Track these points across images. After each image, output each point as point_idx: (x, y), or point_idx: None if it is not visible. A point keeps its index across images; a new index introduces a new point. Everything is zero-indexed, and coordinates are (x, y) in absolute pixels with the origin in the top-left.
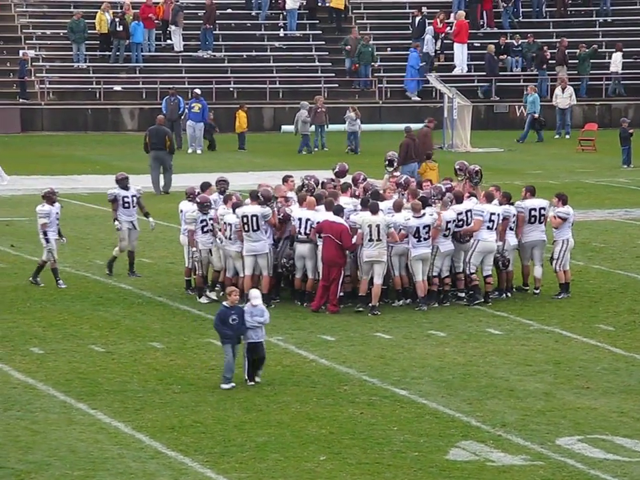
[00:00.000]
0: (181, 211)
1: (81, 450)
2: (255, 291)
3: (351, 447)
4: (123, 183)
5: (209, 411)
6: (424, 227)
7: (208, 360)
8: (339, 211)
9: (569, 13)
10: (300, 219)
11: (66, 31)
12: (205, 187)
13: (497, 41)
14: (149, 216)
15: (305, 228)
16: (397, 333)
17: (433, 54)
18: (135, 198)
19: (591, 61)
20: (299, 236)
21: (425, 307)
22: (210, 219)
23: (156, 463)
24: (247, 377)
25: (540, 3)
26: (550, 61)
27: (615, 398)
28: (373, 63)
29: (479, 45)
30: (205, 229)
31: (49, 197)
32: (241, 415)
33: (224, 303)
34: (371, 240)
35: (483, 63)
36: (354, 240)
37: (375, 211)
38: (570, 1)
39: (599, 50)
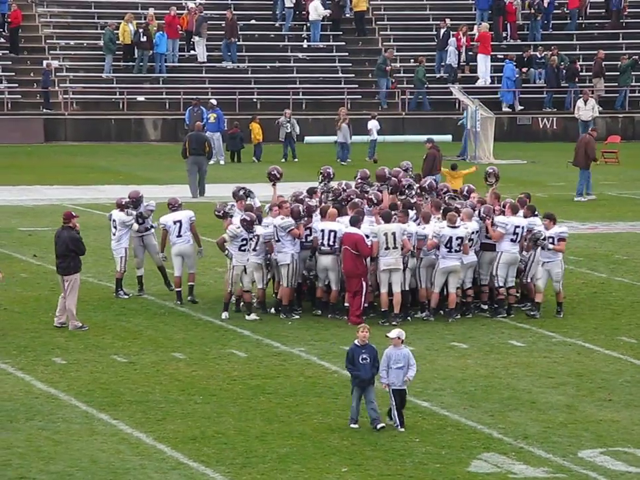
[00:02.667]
0: (177, 222)
1: (103, 460)
2: (396, 331)
3: (373, 458)
4: (135, 203)
5: (231, 421)
6: (457, 238)
7: (230, 371)
8: (355, 221)
9: (623, 24)
10: (323, 231)
11: (90, 41)
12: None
13: (521, 53)
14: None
15: (329, 239)
16: (419, 344)
17: (456, 65)
18: (139, 216)
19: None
20: (322, 247)
21: (432, 317)
22: (252, 237)
23: (177, 474)
24: (397, 423)
25: (575, 16)
26: (579, 74)
27: (638, 410)
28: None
29: (502, 56)
30: (243, 248)
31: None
32: (262, 425)
33: (355, 342)
34: (387, 248)
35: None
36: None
37: (387, 219)
38: (626, 13)
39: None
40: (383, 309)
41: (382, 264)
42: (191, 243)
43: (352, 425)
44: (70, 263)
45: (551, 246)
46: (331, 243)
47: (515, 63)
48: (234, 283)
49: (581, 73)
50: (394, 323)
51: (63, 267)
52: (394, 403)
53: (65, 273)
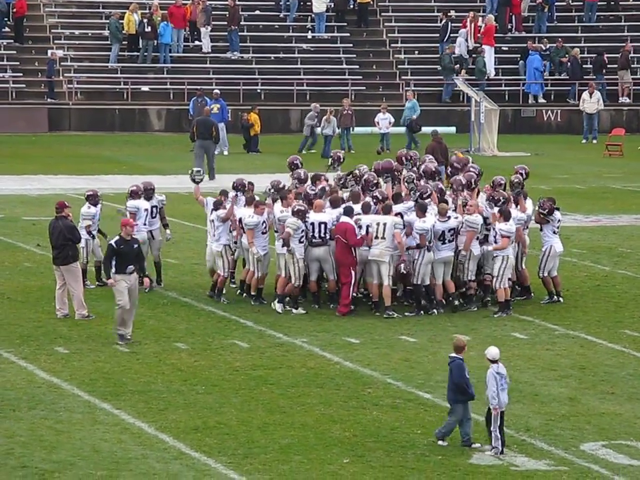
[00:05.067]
0: (146, 210)
1: (105, 450)
2: (495, 351)
3: (375, 450)
4: (147, 194)
5: (233, 412)
6: (449, 230)
7: (232, 361)
8: (349, 212)
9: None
10: (312, 223)
11: (95, 31)
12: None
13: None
14: (167, 227)
15: (320, 231)
16: (422, 336)
17: (467, 56)
18: (155, 208)
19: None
20: (314, 240)
21: (441, 310)
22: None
23: (179, 464)
24: (500, 448)
25: (594, 8)
26: (576, 67)
27: None
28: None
29: (506, 48)
30: (302, 240)
31: (93, 198)
32: (264, 416)
33: (457, 356)
34: (376, 237)
35: (513, 66)
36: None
37: (387, 211)
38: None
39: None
40: (374, 299)
41: (369, 254)
42: (159, 228)
43: (441, 443)
44: (68, 252)
45: (491, 247)
46: (322, 235)
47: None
48: (300, 276)
49: (585, 66)
50: (385, 315)
51: (62, 257)
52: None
53: (64, 262)
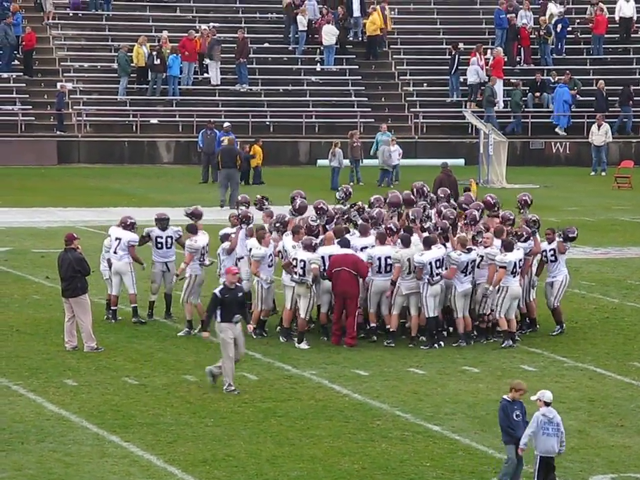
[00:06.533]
0: (117, 239)
1: None
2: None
3: None
4: (162, 224)
5: (242, 444)
6: (471, 262)
7: (241, 393)
8: (346, 244)
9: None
10: (323, 257)
11: (104, 64)
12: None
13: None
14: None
15: None
16: (431, 368)
17: (478, 84)
18: (170, 239)
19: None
20: (326, 274)
21: (464, 342)
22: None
23: None
24: None
25: (601, 41)
26: (579, 98)
27: None
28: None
29: (515, 80)
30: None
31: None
32: (273, 449)
33: (505, 397)
34: (409, 273)
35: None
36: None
37: (407, 243)
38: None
39: (636, 87)
40: (391, 330)
41: (403, 288)
42: (127, 261)
43: None
44: (77, 284)
45: (491, 287)
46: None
47: (568, 87)
48: (310, 310)
49: (590, 99)
50: (410, 345)
51: (71, 289)
52: (537, 468)
53: (73, 295)
